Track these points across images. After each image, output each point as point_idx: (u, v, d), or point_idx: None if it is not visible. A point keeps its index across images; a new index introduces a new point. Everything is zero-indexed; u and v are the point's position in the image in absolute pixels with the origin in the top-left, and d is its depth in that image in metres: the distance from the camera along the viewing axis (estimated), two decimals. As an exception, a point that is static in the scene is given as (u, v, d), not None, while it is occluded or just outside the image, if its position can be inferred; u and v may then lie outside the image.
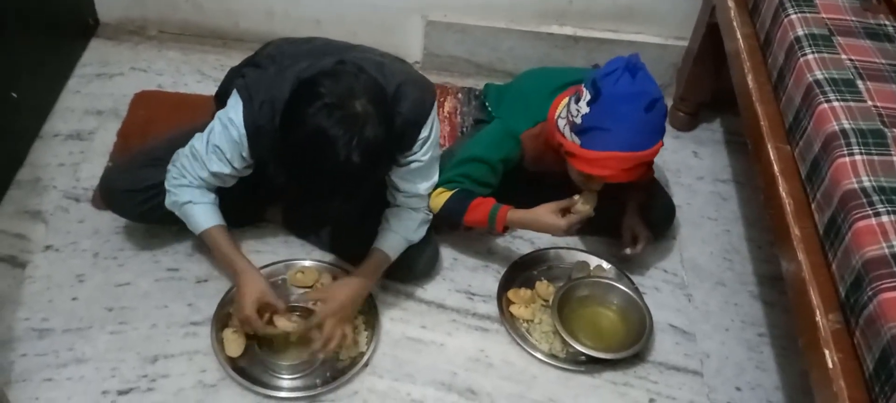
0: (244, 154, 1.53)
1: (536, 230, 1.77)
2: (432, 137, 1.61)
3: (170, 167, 1.61)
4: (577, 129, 1.59)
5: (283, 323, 1.58)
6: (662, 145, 1.62)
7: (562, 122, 1.65)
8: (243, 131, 1.49)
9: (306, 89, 1.35)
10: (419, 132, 1.57)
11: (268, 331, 1.57)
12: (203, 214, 1.59)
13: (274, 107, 1.45)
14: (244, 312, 1.54)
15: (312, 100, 1.32)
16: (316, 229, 1.83)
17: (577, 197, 1.67)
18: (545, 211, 1.69)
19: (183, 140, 1.61)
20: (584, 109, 1.57)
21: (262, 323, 1.55)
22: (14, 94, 1.94)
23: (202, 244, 1.67)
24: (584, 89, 1.58)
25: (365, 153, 1.31)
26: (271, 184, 1.57)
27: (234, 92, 1.53)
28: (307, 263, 1.80)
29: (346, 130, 1.30)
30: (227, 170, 1.55)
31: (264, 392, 1.56)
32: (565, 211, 1.68)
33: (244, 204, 1.77)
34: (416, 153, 1.61)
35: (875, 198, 1.23)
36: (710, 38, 2.07)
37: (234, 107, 1.51)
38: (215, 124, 1.54)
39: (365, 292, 1.66)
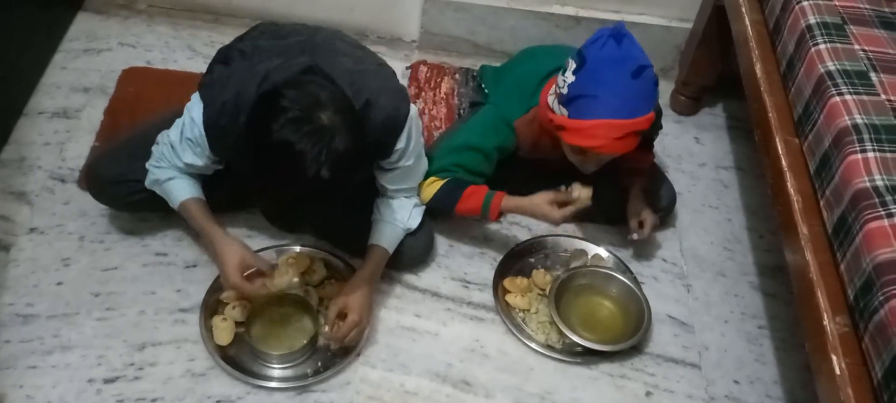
0: (206, 152, 1.52)
1: (531, 217, 1.73)
2: (411, 147, 1.58)
3: (153, 148, 1.60)
4: (564, 100, 1.56)
5: (278, 282, 1.56)
6: (655, 117, 1.57)
7: (551, 98, 1.62)
8: (203, 132, 1.48)
9: (269, 101, 1.31)
10: (394, 143, 1.54)
11: (261, 293, 1.54)
12: (181, 188, 1.57)
13: (238, 105, 1.41)
14: (231, 280, 1.52)
15: (277, 113, 1.28)
16: (301, 224, 1.79)
17: (575, 185, 1.63)
18: (541, 200, 1.65)
19: (172, 123, 1.58)
20: (570, 78, 1.54)
21: (253, 287, 1.52)
22: (-4, 71, 1.89)
23: (192, 229, 1.64)
24: (570, 60, 1.55)
25: (335, 166, 1.28)
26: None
27: (197, 92, 1.52)
28: (297, 249, 1.76)
29: (314, 144, 1.26)
30: (200, 162, 1.54)
31: (254, 382, 1.53)
32: (562, 200, 1.64)
33: (232, 190, 1.71)
34: (395, 162, 1.58)
35: (888, 197, 1.19)
36: (716, 21, 2.02)
37: (196, 106, 1.49)
38: (184, 117, 1.53)
39: (372, 292, 1.62)
